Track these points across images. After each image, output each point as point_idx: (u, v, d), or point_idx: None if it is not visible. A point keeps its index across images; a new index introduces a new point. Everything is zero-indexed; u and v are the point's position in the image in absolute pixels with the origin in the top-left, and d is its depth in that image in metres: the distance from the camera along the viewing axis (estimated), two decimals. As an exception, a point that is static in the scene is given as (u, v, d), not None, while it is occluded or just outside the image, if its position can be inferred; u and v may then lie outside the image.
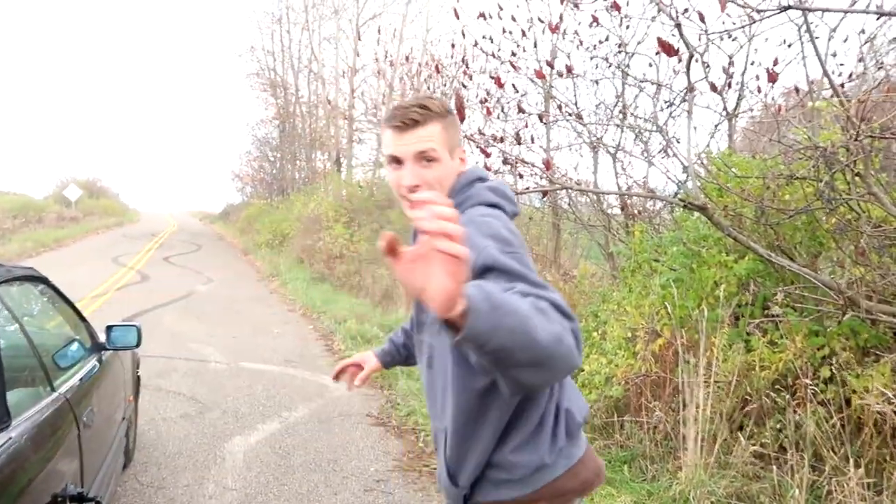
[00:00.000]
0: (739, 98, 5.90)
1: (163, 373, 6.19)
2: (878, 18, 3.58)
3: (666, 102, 4.48)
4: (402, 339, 1.95)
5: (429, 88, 10.70)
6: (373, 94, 15.33)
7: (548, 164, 5.03)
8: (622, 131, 6.54)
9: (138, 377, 4.27)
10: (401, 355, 1.94)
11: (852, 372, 3.55)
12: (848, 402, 3.47)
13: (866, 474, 3.05)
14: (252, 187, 36.42)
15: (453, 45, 7.33)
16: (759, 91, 4.37)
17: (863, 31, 5.13)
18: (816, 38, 2.99)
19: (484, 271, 1.18)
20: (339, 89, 22.62)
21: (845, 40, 6.39)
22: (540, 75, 5.31)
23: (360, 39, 19.68)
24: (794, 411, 3.48)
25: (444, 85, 7.94)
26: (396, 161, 1.43)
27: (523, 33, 6.06)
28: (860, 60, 5.51)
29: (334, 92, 22.73)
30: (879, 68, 5.84)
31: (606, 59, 6.05)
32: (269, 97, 30.88)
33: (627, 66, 5.82)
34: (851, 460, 3.02)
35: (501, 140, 5.27)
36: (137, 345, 3.16)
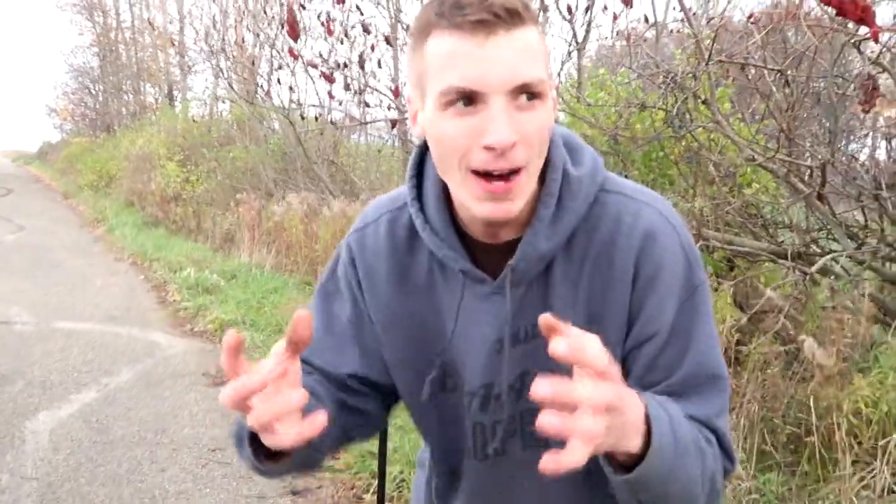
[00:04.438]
0: (588, 29, 5.82)
1: (-50, 341, 5.25)
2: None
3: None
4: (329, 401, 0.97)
5: (265, 13, 9.77)
6: (204, 20, 13.87)
7: (396, 92, 4.65)
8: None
9: None
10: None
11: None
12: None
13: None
14: (72, 123, 32.71)
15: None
16: (615, 18, 4.23)
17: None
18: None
19: (708, 379, 0.84)
20: (167, 13, 20.50)
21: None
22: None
23: (187, -44, 17.71)
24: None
25: (282, 5, 7.18)
26: None
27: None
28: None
29: (161, 16, 20.56)
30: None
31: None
32: (85, 21, 27.44)
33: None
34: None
35: (345, 66, 4.79)
36: None
